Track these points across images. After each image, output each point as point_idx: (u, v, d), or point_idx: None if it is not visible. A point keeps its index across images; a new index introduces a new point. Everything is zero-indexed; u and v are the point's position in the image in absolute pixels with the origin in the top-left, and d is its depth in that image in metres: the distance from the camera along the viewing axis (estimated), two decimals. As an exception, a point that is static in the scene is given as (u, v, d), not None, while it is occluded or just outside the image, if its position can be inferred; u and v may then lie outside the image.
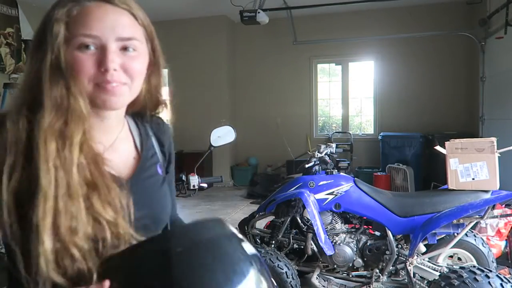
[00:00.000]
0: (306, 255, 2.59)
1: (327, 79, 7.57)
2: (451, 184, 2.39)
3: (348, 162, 3.48)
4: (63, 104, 0.66)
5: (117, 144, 0.79)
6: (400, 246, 2.50)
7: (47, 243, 0.60)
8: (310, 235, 2.55)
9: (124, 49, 0.71)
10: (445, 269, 2.35)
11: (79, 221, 0.63)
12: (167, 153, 0.90)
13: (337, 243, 2.51)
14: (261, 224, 3.01)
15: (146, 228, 0.73)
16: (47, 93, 0.66)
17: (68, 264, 0.62)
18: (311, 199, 2.47)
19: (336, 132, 7.20)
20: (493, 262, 2.61)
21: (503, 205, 2.31)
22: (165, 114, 0.94)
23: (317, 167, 2.66)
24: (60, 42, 0.67)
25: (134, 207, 0.71)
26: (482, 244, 2.62)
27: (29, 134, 0.65)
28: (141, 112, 0.87)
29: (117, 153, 0.78)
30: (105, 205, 0.66)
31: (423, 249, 2.43)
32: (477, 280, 1.88)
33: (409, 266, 2.35)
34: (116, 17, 0.70)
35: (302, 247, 2.62)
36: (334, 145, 2.89)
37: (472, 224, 2.27)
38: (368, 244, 2.53)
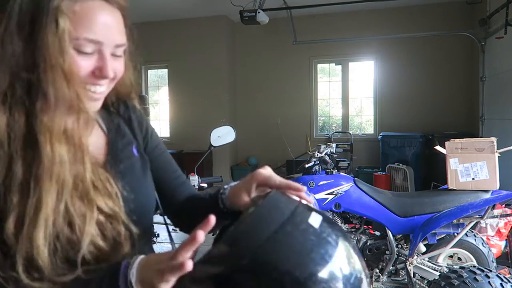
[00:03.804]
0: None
1: (327, 79, 7.56)
2: (451, 184, 2.39)
3: (348, 162, 3.46)
4: (73, 104, 0.63)
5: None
6: (400, 246, 2.50)
7: (42, 247, 0.59)
8: (310, 235, 2.54)
9: (113, 53, 0.69)
10: (445, 269, 2.35)
11: (87, 220, 0.63)
12: (140, 128, 0.85)
13: (337, 243, 2.51)
14: (261, 224, 3.01)
15: (130, 213, 0.71)
16: (54, 91, 0.61)
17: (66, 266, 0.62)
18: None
19: (336, 132, 7.20)
20: (493, 262, 2.61)
21: (503, 205, 2.31)
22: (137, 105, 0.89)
23: (317, 167, 2.66)
24: (66, 38, 0.61)
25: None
26: (482, 244, 2.62)
27: (27, 128, 0.61)
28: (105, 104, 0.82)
29: (90, 140, 0.72)
30: (107, 200, 0.67)
31: (423, 249, 2.43)
32: (477, 280, 1.87)
33: (409, 266, 2.35)
34: (114, 20, 0.67)
35: (302, 247, 2.61)
36: (334, 145, 2.89)
37: (472, 224, 2.27)
38: (368, 244, 2.53)
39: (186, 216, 0.88)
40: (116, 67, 0.70)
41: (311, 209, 0.59)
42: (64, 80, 0.61)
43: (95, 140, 0.75)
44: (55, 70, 0.60)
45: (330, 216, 2.59)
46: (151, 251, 0.82)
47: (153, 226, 0.85)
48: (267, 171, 0.70)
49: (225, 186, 0.78)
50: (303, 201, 0.62)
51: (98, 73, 0.66)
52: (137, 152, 0.80)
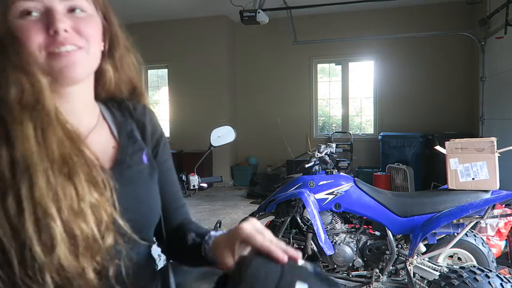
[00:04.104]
0: (306, 255, 2.59)
1: (327, 79, 7.57)
2: (451, 184, 2.39)
3: (348, 162, 3.47)
4: (24, 79, 0.58)
5: (91, 133, 0.71)
6: (400, 246, 2.50)
7: (58, 223, 0.55)
8: (310, 235, 2.55)
9: (72, 10, 0.64)
10: (445, 269, 2.35)
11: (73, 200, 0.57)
12: (152, 137, 0.80)
13: (337, 243, 2.51)
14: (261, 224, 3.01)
15: (130, 222, 0.66)
16: (6, 63, 0.57)
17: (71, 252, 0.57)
18: (311, 199, 2.47)
19: (336, 132, 7.21)
20: (493, 262, 2.61)
21: (503, 205, 2.31)
22: (146, 102, 0.84)
23: (317, 167, 2.66)
24: (1, 6, 0.58)
25: (117, 198, 0.64)
26: (482, 244, 2.62)
27: None
28: (115, 98, 0.79)
29: (91, 143, 0.68)
30: (89, 185, 0.60)
31: (423, 249, 2.43)
32: (477, 280, 1.87)
33: (409, 266, 2.35)
34: None
35: (302, 247, 2.62)
36: (334, 145, 2.89)
37: (472, 224, 2.27)
38: (368, 244, 2.53)
39: (169, 247, 0.84)
40: (77, 24, 0.64)
41: (294, 278, 0.55)
42: (13, 48, 0.59)
43: (104, 143, 0.72)
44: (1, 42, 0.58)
45: (330, 216, 2.59)
46: (149, 257, 0.79)
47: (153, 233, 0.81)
48: (250, 228, 0.63)
49: (211, 233, 0.73)
50: (288, 264, 0.58)
51: (51, 31, 0.61)
52: (147, 159, 0.76)
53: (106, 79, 0.75)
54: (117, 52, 0.75)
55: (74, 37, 0.63)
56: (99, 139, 0.72)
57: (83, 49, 0.65)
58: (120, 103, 0.79)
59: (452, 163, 2.37)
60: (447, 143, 2.41)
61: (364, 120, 7.49)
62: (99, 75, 0.74)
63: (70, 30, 0.63)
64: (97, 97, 0.76)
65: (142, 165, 0.74)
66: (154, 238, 0.83)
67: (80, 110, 0.70)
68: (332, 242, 2.50)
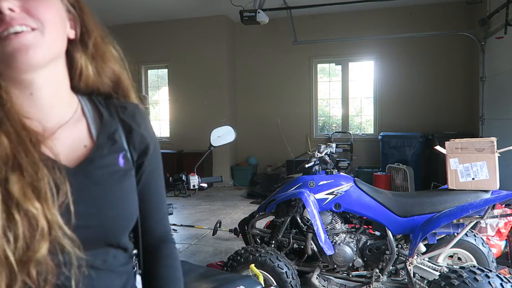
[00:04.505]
0: (306, 255, 2.59)
1: (327, 79, 7.57)
2: (451, 184, 2.39)
3: (348, 162, 3.47)
4: None
5: (61, 128, 0.67)
6: (400, 246, 2.50)
7: None
8: (310, 235, 2.55)
9: None
10: (445, 269, 2.35)
11: None
12: (141, 142, 0.74)
13: (337, 243, 2.51)
14: (261, 224, 3.01)
15: (89, 229, 0.62)
16: None
17: None
18: (311, 199, 2.47)
19: (336, 132, 7.21)
20: (493, 262, 2.61)
21: (503, 205, 2.31)
22: (135, 100, 0.79)
23: (317, 167, 2.66)
24: None
25: (75, 201, 0.59)
26: (482, 244, 2.62)
27: None
28: (100, 92, 0.75)
29: (60, 138, 0.65)
30: (28, 190, 0.55)
31: (423, 249, 2.43)
32: (477, 280, 1.87)
33: (409, 266, 2.35)
34: None
35: (302, 247, 2.62)
36: (334, 145, 2.89)
37: (472, 224, 2.27)
38: (368, 244, 2.53)
39: (145, 274, 0.81)
40: (26, 4, 0.59)
41: None
42: None
43: (75, 140, 0.68)
44: None
45: (330, 216, 2.59)
46: (125, 263, 0.73)
47: (131, 244, 0.76)
48: None
49: None
50: None
51: None
52: (123, 163, 0.70)
53: (79, 68, 0.71)
54: (90, 40, 0.71)
55: (24, 17, 0.59)
56: (70, 135, 0.67)
57: (36, 30, 0.60)
58: (109, 100, 0.76)
59: (452, 163, 2.37)
60: (447, 143, 2.41)
61: (364, 120, 7.49)
62: (72, 65, 0.70)
63: (17, 10, 0.58)
64: (77, 90, 0.73)
65: (115, 167, 0.69)
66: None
67: (49, 102, 0.66)
68: (332, 242, 2.50)
